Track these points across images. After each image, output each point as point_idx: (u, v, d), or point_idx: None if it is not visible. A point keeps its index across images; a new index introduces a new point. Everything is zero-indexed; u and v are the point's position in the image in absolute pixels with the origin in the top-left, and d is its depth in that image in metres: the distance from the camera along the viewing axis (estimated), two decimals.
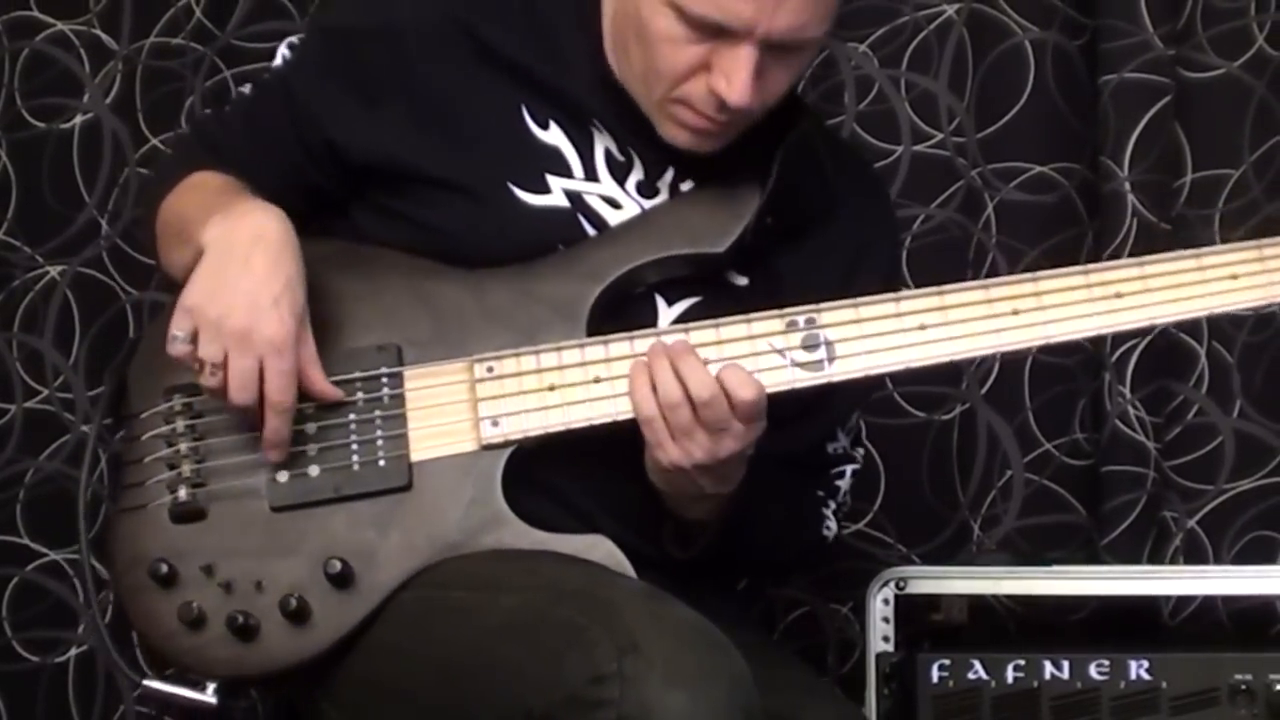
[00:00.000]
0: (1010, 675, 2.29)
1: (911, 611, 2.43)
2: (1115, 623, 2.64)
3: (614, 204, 1.96)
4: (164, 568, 1.85)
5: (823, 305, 1.87)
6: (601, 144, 1.96)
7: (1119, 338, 2.65)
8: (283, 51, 2.10)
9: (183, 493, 1.89)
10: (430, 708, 1.80)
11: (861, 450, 2.11)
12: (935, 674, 2.30)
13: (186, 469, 1.89)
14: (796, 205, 1.96)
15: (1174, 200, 2.73)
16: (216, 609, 1.84)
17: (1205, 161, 2.74)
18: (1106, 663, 2.28)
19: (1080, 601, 2.67)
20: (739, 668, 1.67)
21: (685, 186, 1.97)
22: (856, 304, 1.87)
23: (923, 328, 1.86)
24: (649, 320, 1.93)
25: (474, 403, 1.88)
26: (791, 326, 1.87)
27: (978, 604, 2.52)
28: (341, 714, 1.90)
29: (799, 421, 1.96)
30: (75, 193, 2.90)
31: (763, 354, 1.85)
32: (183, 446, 1.90)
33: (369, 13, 1.97)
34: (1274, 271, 1.87)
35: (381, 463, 1.88)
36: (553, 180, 1.95)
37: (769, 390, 1.82)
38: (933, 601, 2.45)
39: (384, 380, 1.90)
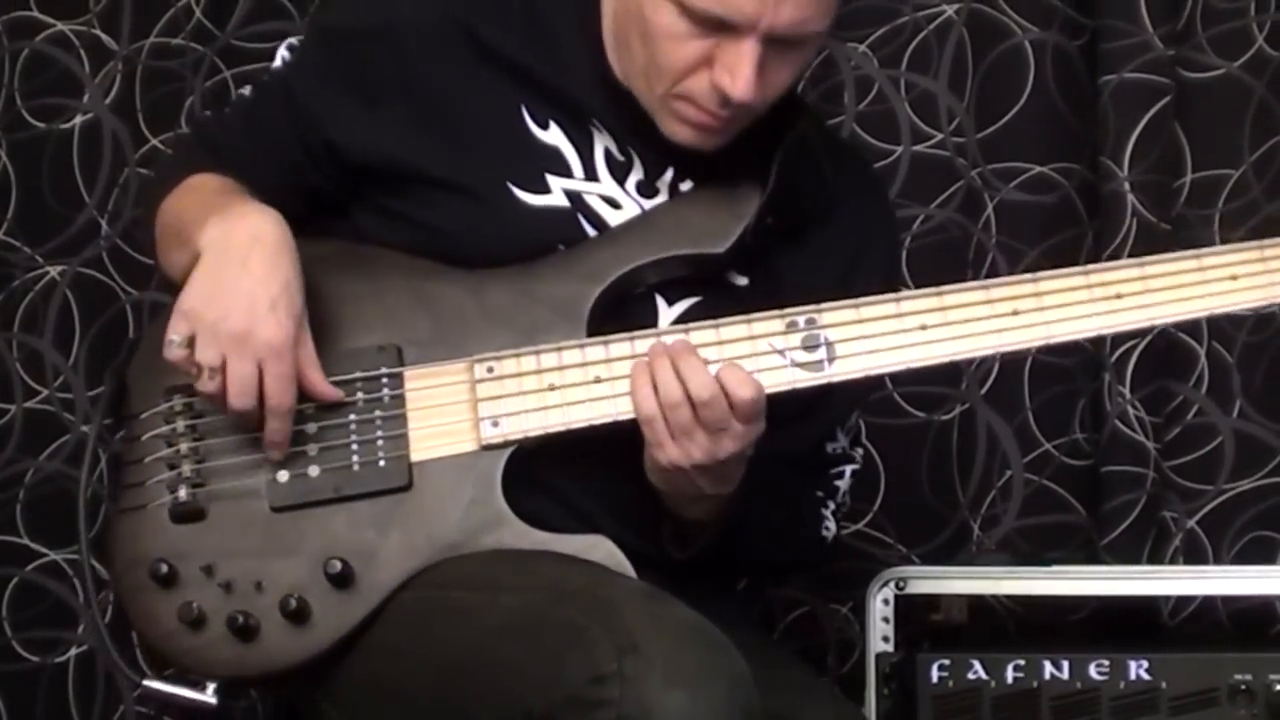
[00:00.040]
0: (1010, 675, 2.29)
1: (911, 611, 2.42)
2: (1115, 623, 2.64)
3: (614, 204, 1.96)
4: (164, 568, 1.86)
5: (823, 305, 1.87)
6: (601, 144, 1.96)
7: (1119, 338, 2.65)
8: (282, 52, 2.10)
9: (183, 493, 1.89)
10: (430, 708, 1.80)
11: (861, 450, 2.11)
12: (935, 674, 2.30)
13: (186, 469, 1.89)
14: (796, 205, 1.95)
15: (1174, 200, 2.73)
16: (216, 609, 1.84)
17: (1205, 162, 2.74)
18: (1106, 663, 2.28)
19: (1080, 601, 2.66)
20: (739, 668, 1.67)
21: (685, 186, 1.97)
22: (857, 304, 1.87)
23: (923, 328, 1.86)
24: (649, 320, 1.93)
25: (474, 403, 1.88)
26: (792, 327, 1.87)
27: (977, 604, 2.51)
28: (341, 714, 1.90)
29: (798, 421, 1.96)
30: (75, 193, 2.90)
31: (763, 354, 1.85)
32: (183, 447, 1.90)
33: (369, 13, 1.97)
34: (1274, 272, 1.87)
35: (382, 463, 1.88)
36: (553, 180, 1.95)
37: (770, 390, 1.82)
38: (932, 601, 2.45)
39: (384, 380, 1.90)
